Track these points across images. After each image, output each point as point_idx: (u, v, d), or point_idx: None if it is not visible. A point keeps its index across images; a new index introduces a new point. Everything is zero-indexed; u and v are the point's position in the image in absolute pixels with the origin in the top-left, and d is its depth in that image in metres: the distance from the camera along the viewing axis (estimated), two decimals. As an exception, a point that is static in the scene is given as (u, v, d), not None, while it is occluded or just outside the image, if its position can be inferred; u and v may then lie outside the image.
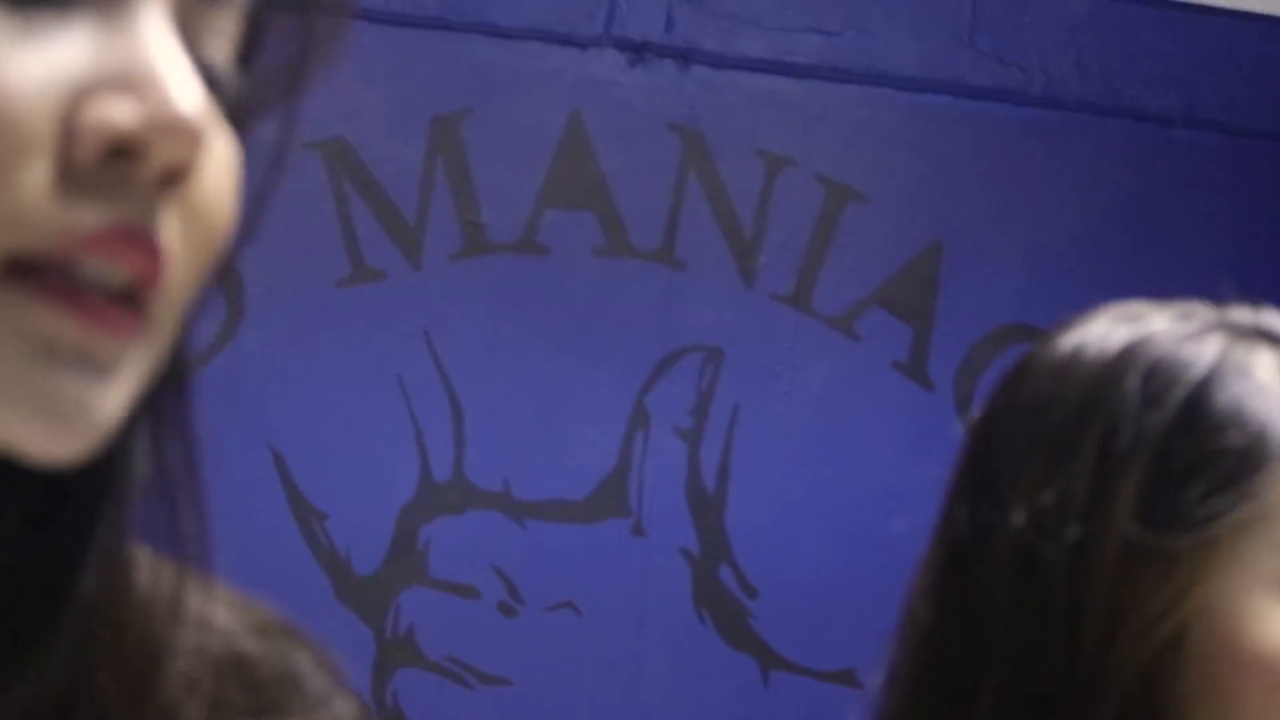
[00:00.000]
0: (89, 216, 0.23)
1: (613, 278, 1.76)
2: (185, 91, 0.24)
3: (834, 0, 1.78)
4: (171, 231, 0.25)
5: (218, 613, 0.41)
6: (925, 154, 1.83)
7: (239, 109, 0.30)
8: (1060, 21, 1.83)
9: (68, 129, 0.23)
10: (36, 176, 0.22)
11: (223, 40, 0.28)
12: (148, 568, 0.33)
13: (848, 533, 1.72)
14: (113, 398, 0.26)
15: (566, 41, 1.75)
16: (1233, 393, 0.55)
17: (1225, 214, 1.85)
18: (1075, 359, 0.58)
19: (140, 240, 0.24)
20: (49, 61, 0.23)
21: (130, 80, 0.23)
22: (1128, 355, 0.56)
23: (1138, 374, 0.56)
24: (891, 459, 1.73)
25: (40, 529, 0.31)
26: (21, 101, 0.22)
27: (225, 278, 0.31)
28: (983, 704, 0.56)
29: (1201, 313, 0.59)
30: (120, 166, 0.23)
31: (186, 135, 0.23)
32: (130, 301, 0.24)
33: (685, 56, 1.77)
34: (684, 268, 1.78)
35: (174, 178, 0.24)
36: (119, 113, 0.23)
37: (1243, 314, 0.60)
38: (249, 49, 0.30)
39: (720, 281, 1.79)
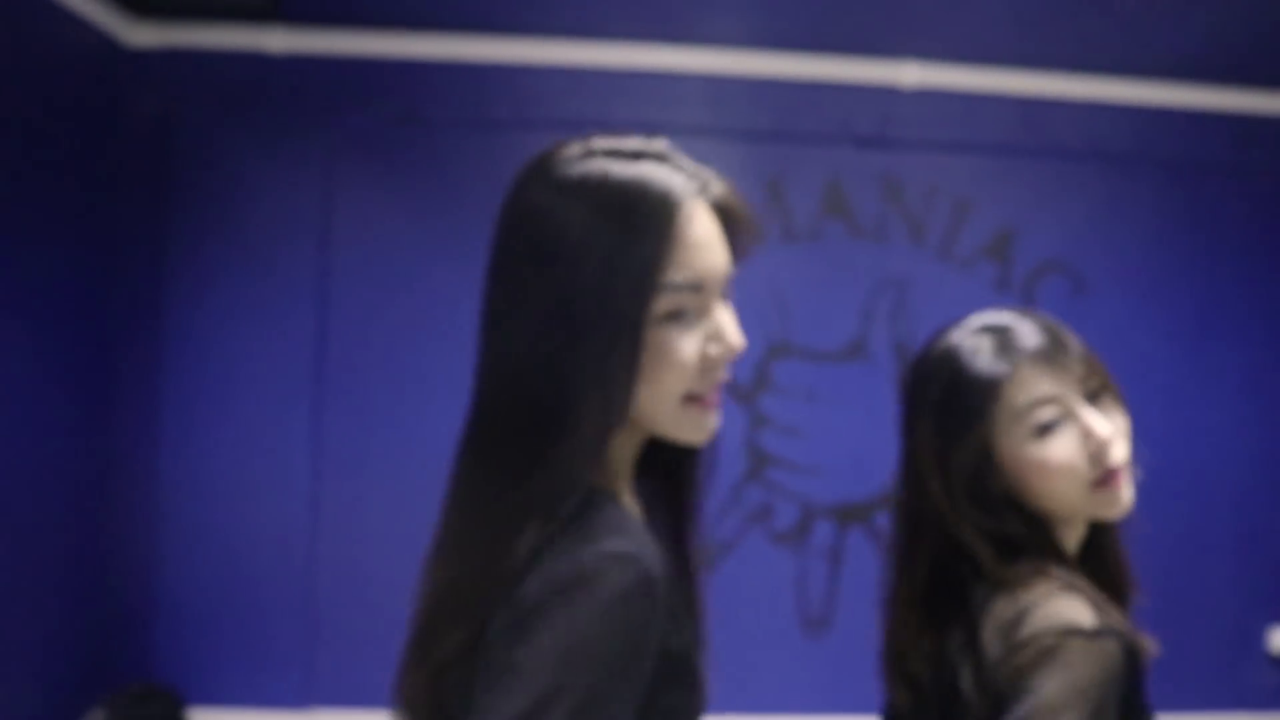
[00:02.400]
0: (713, 381, 0.90)
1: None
2: (734, 334, 0.91)
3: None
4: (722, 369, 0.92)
5: None
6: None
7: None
8: None
9: (705, 356, 0.89)
10: (695, 378, 0.90)
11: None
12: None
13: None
14: (715, 421, 0.92)
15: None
16: (974, 365, 1.09)
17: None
18: (930, 357, 1.14)
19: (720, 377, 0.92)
20: (695, 337, 0.89)
21: (717, 337, 0.90)
22: (943, 356, 1.12)
23: (943, 367, 1.11)
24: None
25: (674, 469, 1.01)
26: (691, 355, 0.88)
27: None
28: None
29: (974, 323, 1.14)
30: (721, 363, 0.90)
31: (738, 350, 0.90)
32: (720, 392, 0.91)
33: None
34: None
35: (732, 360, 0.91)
36: (716, 351, 0.90)
37: (993, 318, 1.14)
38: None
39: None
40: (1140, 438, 3.46)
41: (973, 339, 1.11)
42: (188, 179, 3.18)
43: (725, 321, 0.91)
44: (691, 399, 0.90)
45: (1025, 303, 3.31)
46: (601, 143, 0.92)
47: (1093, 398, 1.09)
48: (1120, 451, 1.09)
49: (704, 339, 0.90)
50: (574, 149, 0.92)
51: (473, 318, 0.96)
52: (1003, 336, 1.09)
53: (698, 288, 0.89)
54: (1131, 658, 0.99)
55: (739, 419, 3.24)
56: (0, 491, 2.66)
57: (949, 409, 1.09)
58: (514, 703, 0.77)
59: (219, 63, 3.14)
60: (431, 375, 3.13)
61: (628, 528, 0.85)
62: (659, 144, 0.94)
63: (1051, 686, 0.95)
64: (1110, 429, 1.08)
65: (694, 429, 0.92)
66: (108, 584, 3.20)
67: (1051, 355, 1.08)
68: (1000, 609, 1.02)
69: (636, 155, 0.91)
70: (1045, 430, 1.06)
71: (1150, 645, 1.03)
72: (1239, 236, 3.41)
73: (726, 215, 0.94)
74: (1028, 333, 1.10)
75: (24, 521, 2.77)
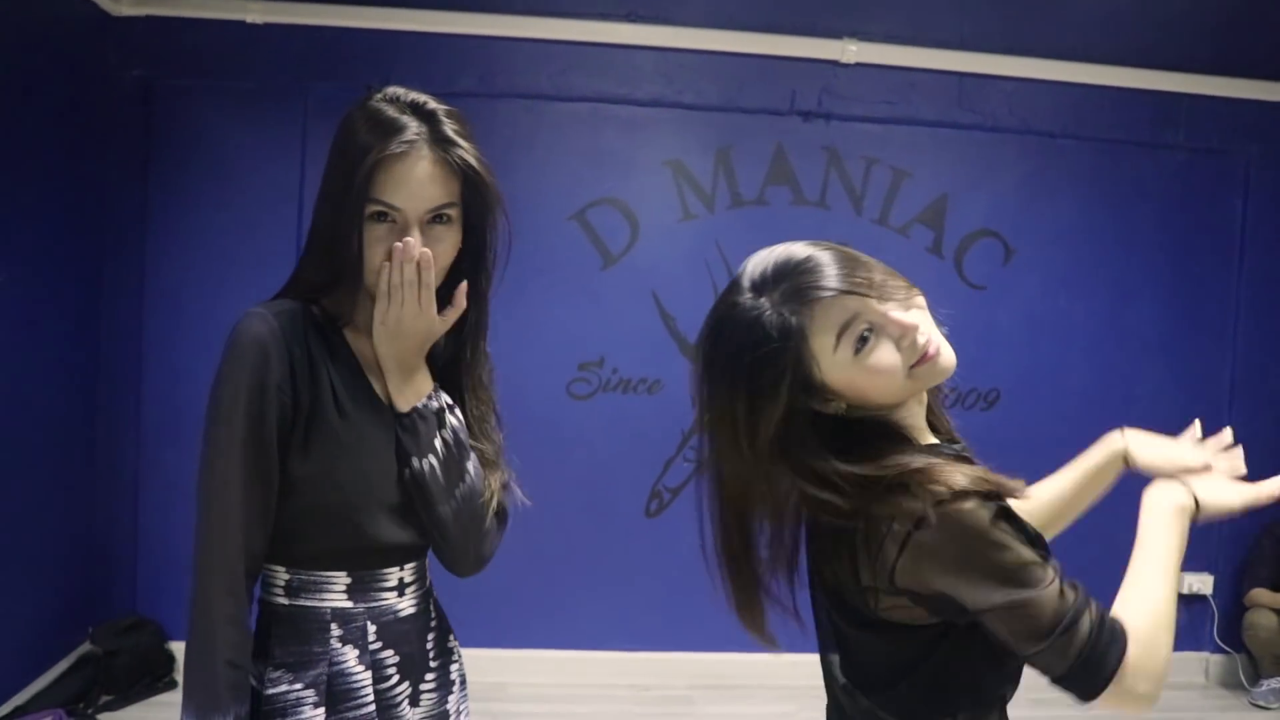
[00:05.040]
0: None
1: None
2: (414, 245, 1.20)
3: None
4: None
5: None
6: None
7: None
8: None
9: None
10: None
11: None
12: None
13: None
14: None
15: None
16: (771, 323, 1.08)
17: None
18: (727, 325, 1.12)
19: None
20: (374, 237, 1.21)
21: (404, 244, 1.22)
22: (743, 323, 1.10)
23: (747, 334, 1.09)
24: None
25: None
26: (380, 254, 1.22)
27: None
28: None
29: (754, 275, 1.13)
30: (403, 258, 1.22)
31: (413, 255, 1.20)
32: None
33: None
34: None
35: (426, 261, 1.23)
36: (400, 246, 1.20)
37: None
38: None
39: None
40: (1062, 392, 3.60)
41: (764, 298, 1.12)
42: (171, 138, 3.33)
43: (414, 238, 1.20)
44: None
45: (956, 268, 3.55)
46: (397, 92, 1.24)
47: (882, 298, 1.13)
48: (925, 333, 1.13)
49: (391, 244, 1.20)
50: (387, 93, 1.24)
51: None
52: (789, 285, 1.12)
53: (394, 208, 1.19)
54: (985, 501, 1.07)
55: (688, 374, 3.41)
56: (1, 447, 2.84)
57: (759, 371, 1.11)
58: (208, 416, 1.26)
59: (200, 31, 3.29)
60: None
61: (281, 310, 1.23)
62: (437, 105, 1.23)
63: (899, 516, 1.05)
64: (911, 318, 1.13)
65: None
66: (98, 527, 3.37)
67: (835, 279, 1.11)
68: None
69: (413, 105, 1.22)
70: (863, 344, 1.11)
71: (1011, 485, 1.10)
72: (1155, 208, 3.63)
73: (468, 174, 1.23)
74: (808, 269, 1.12)
75: (20, 470, 2.93)
